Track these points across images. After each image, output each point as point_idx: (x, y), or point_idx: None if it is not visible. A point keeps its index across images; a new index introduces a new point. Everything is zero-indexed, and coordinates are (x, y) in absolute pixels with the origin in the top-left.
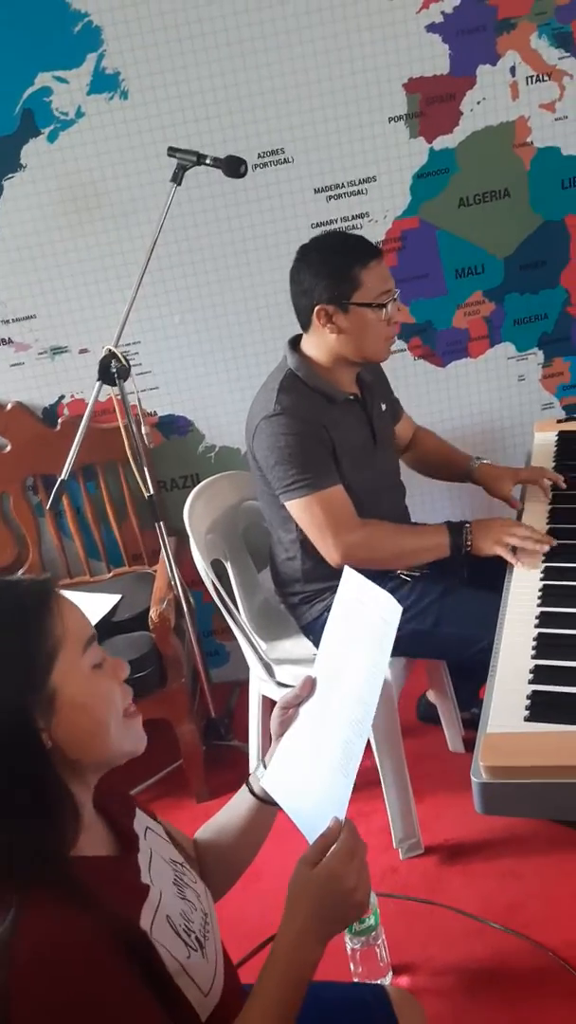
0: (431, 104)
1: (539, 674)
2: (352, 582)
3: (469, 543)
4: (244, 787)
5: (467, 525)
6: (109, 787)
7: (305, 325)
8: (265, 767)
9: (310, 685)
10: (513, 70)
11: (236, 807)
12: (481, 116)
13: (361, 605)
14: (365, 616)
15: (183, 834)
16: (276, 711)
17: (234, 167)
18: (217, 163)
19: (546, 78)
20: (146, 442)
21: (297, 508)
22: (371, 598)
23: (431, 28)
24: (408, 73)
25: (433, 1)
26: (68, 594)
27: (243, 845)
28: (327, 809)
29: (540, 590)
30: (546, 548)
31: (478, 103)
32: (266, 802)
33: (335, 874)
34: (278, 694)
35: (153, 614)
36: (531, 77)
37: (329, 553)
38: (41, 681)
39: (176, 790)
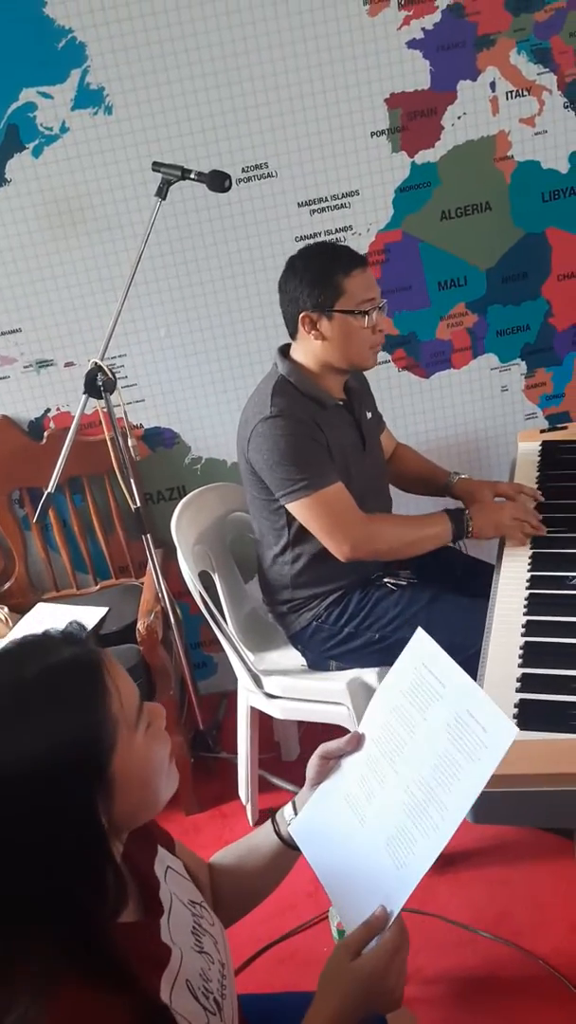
0: (413, 119)
1: (526, 682)
2: (430, 653)
3: (471, 530)
4: (269, 824)
5: (467, 512)
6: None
7: (293, 333)
8: (295, 811)
9: (356, 741)
10: (493, 85)
11: (259, 844)
12: (462, 130)
13: (439, 684)
14: (447, 702)
15: (197, 858)
16: (314, 758)
17: (218, 181)
18: (201, 177)
19: (525, 93)
20: (132, 455)
21: (301, 508)
22: (461, 690)
23: (412, 44)
24: (390, 88)
25: (414, 18)
26: (54, 608)
27: (262, 881)
28: (370, 894)
29: (526, 599)
30: (541, 532)
31: (459, 118)
32: (290, 845)
33: (377, 971)
34: (267, 705)
35: (140, 626)
36: (511, 92)
37: (338, 548)
38: (104, 772)
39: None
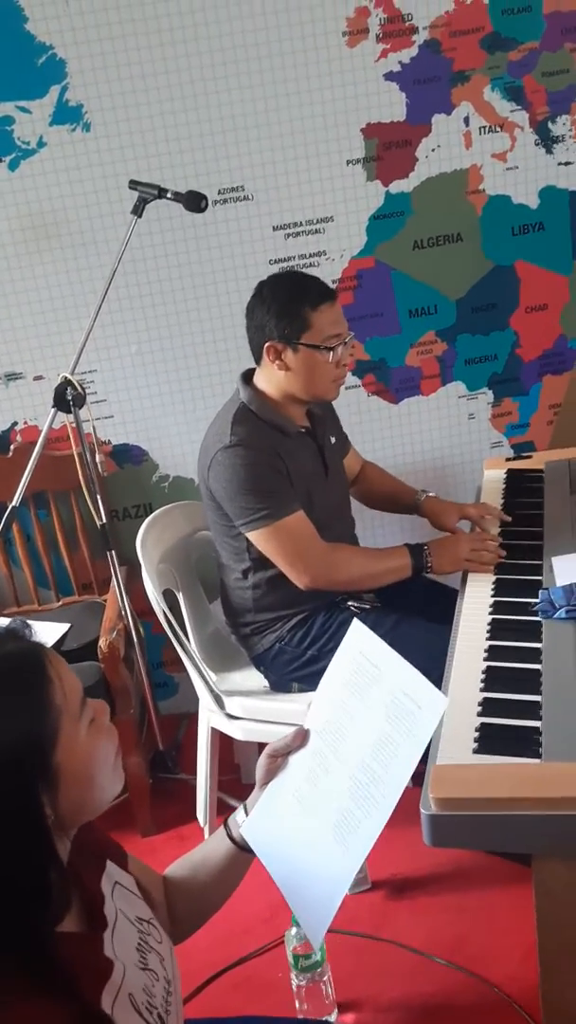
0: (388, 149)
1: (488, 706)
2: (366, 641)
3: (429, 564)
4: (222, 830)
5: (425, 547)
6: (80, 837)
7: (257, 359)
8: (247, 813)
9: (302, 736)
10: (467, 120)
11: (213, 851)
12: (436, 163)
13: (375, 669)
14: (383, 684)
15: (151, 872)
16: (263, 758)
17: (195, 202)
18: (178, 197)
19: (498, 129)
20: (100, 470)
21: (261, 538)
22: (395, 670)
23: (389, 76)
24: (366, 118)
25: (391, 51)
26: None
27: (217, 888)
28: (319, 881)
29: (489, 624)
30: (499, 558)
31: (433, 150)
32: (245, 849)
33: None
34: (228, 726)
35: (102, 644)
36: (484, 127)
37: (299, 578)
38: (47, 761)
39: (121, 824)
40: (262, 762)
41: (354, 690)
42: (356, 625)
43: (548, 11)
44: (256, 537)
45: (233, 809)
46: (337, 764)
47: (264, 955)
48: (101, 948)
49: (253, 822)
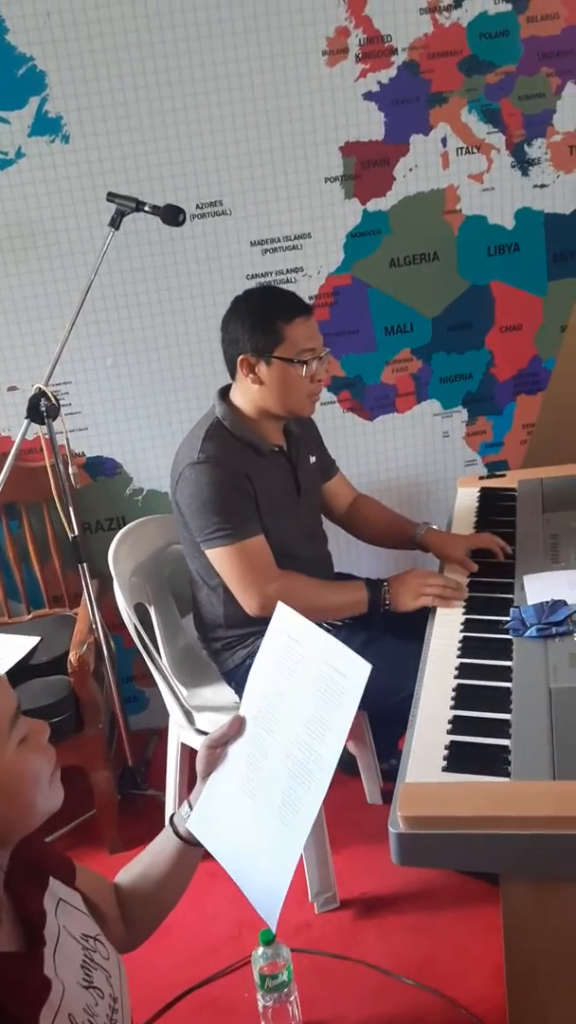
0: (366, 168)
1: (457, 724)
2: (290, 622)
3: (388, 601)
4: (168, 828)
5: (385, 584)
6: (21, 854)
7: (232, 374)
8: (191, 808)
9: (239, 724)
10: (444, 141)
11: (160, 849)
12: (413, 182)
13: (300, 647)
14: (308, 660)
15: (101, 881)
16: (202, 750)
17: (172, 215)
18: (156, 211)
19: (475, 150)
20: (73, 482)
21: (217, 557)
22: (319, 645)
23: (368, 96)
24: (345, 137)
25: (370, 71)
26: None
27: (168, 888)
28: (268, 861)
29: (460, 641)
30: (461, 599)
31: (410, 170)
32: (192, 843)
33: None
34: (198, 742)
35: (72, 657)
36: (461, 149)
37: (248, 603)
38: None
39: (88, 840)
40: (202, 754)
41: (283, 671)
42: (280, 607)
43: (525, 36)
44: (213, 556)
45: None
46: (274, 745)
47: (230, 975)
48: (40, 967)
49: (197, 814)
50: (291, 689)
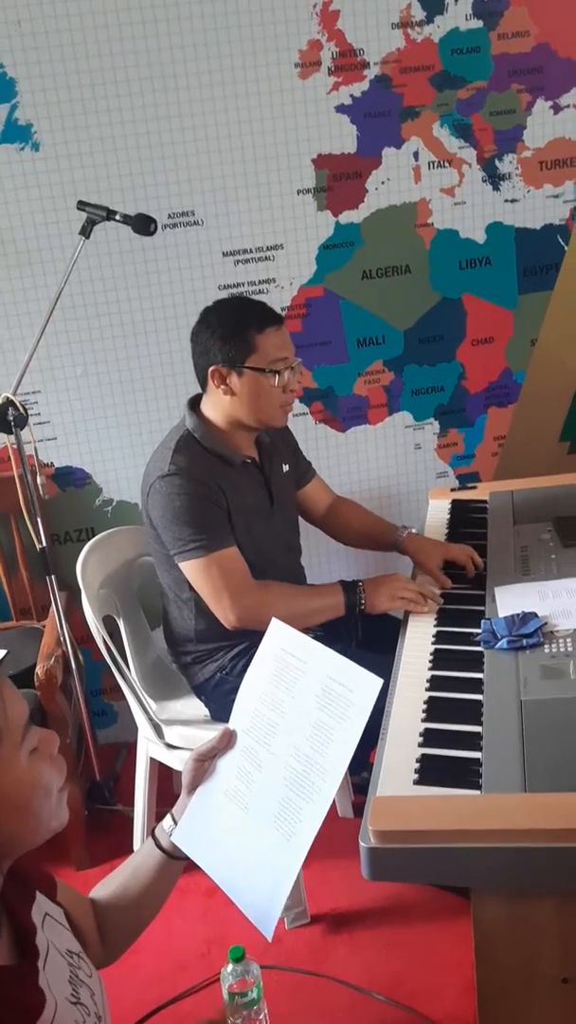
0: (338, 180)
1: (429, 737)
2: (287, 637)
3: (363, 602)
4: (149, 841)
5: (360, 584)
6: (12, 867)
7: (203, 385)
8: (175, 821)
9: (228, 737)
10: (416, 155)
11: (142, 863)
12: (385, 195)
13: (300, 662)
14: (310, 675)
15: (79, 897)
16: (189, 763)
17: (144, 225)
18: (127, 220)
19: (447, 164)
20: (41, 493)
21: (192, 570)
22: (321, 660)
23: (340, 109)
24: (317, 149)
25: (343, 84)
26: None
27: (148, 902)
28: (264, 873)
29: (432, 654)
30: (435, 607)
31: (383, 183)
32: (175, 857)
33: None
34: (167, 756)
35: (39, 671)
36: (433, 163)
37: (224, 615)
38: None
39: (55, 857)
40: (188, 767)
41: (280, 685)
42: (274, 622)
43: (496, 52)
44: (186, 568)
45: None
46: (270, 758)
47: (199, 993)
48: (35, 981)
49: (184, 828)
50: (290, 703)
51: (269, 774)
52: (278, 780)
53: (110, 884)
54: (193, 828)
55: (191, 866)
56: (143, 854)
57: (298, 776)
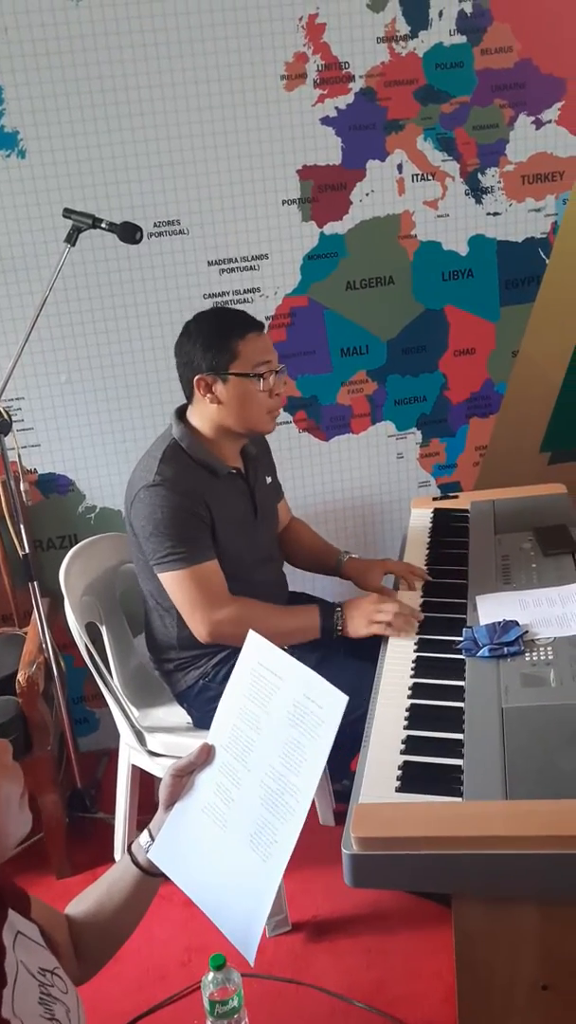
0: (323, 191)
1: (410, 744)
2: (263, 651)
3: (340, 626)
4: (125, 857)
5: (339, 609)
6: None
7: (189, 396)
8: (152, 837)
9: (207, 753)
10: (400, 167)
11: (118, 879)
12: (369, 207)
13: (276, 678)
14: (284, 690)
15: (54, 913)
16: (166, 778)
17: (129, 233)
18: (113, 228)
19: (430, 177)
20: (24, 499)
21: (170, 581)
22: (295, 676)
23: (325, 121)
24: (302, 160)
25: (328, 96)
26: None
27: (125, 919)
28: (242, 893)
29: (414, 661)
30: (416, 624)
31: (367, 194)
32: (151, 873)
33: None
34: (149, 764)
35: (21, 678)
36: (416, 175)
37: (197, 628)
38: None
39: (35, 865)
40: (166, 782)
41: (256, 700)
42: (251, 636)
43: (479, 68)
44: (165, 580)
45: None
46: (247, 775)
47: (179, 1001)
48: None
49: (161, 845)
50: (266, 719)
51: (247, 792)
52: (255, 799)
53: (85, 900)
54: (170, 845)
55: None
56: (119, 870)
57: (273, 795)
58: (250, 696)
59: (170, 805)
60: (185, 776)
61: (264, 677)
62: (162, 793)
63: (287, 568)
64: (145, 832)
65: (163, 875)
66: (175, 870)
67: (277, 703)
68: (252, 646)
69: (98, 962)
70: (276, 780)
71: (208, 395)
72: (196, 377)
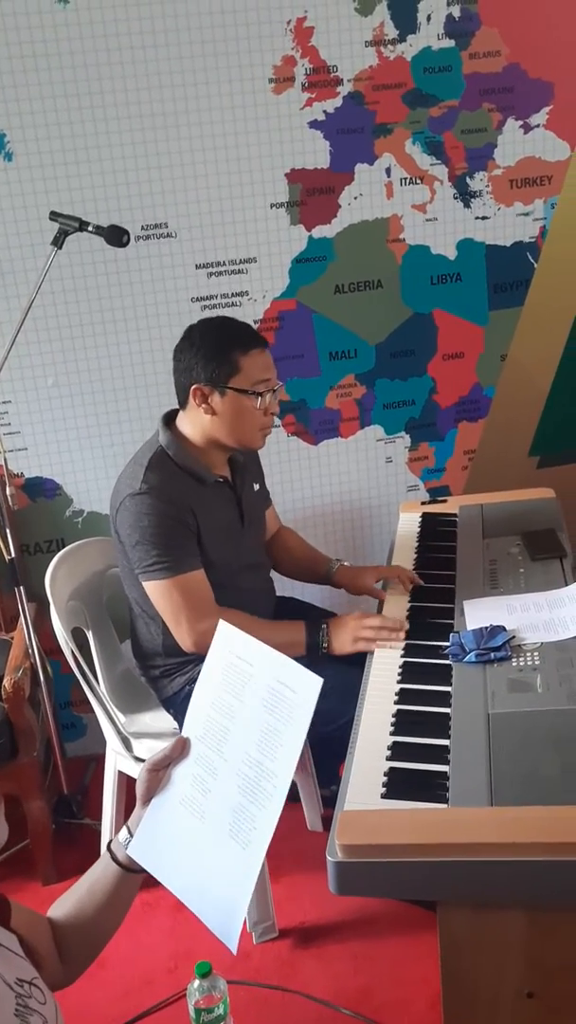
0: (311, 195)
1: (397, 751)
2: (234, 640)
3: (326, 644)
4: (105, 855)
5: (324, 626)
6: None
7: (183, 403)
8: (130, 833)
9: (182, 746)
10: (389, 171)
11: (98, 878)
12: (358, 210)
13: (248, 666)
14: (257, 678)
15: (35, 918)
16: (142, 773)
17: (116, 236)
18: (100, 231)
19: (418, 181)
20: (10, 503)
21: (155, 590)
22: (268, 662)
23: (313, 125)
24: (291, 164)
25: (316, 100)
26: None
27: (107, 918)
28: (222, 883)
29: (400, 667)
30: (401, 635)
31: (355, 198)
32: (131, 870)
33: None
34: (136, 769)
35: (7, 683)
36: (405, 179)
37: (182, 638)
38: None
39: (21, 872)
40: (143, 777)
41: (230, 689)
42: (222, 626)
43: (468, 72)
44: (150, 588)
45: None
46: (223, 765)
47: (165, 1009)
48: None
49: (140, 839)
50: (240, 708)
51: (223, 781)
52: (232, 787)
53: (67, 902)
54: (149, 840)
55: (157, 881)
56: (100, 869)
57: (251, 783)
58: (223, 686)
59: (147, 801)
60: (161, 771)
61: (236, 666)
62: (139, 789)
63: (275, 575)
64: (124, 829)
65: (143, 871)
66: (155, 865)
67: (251, 691)
68: (223, 636)
69: (82, 963)
70: (253, 767)
71: (203, 405)
72: (194, 386)
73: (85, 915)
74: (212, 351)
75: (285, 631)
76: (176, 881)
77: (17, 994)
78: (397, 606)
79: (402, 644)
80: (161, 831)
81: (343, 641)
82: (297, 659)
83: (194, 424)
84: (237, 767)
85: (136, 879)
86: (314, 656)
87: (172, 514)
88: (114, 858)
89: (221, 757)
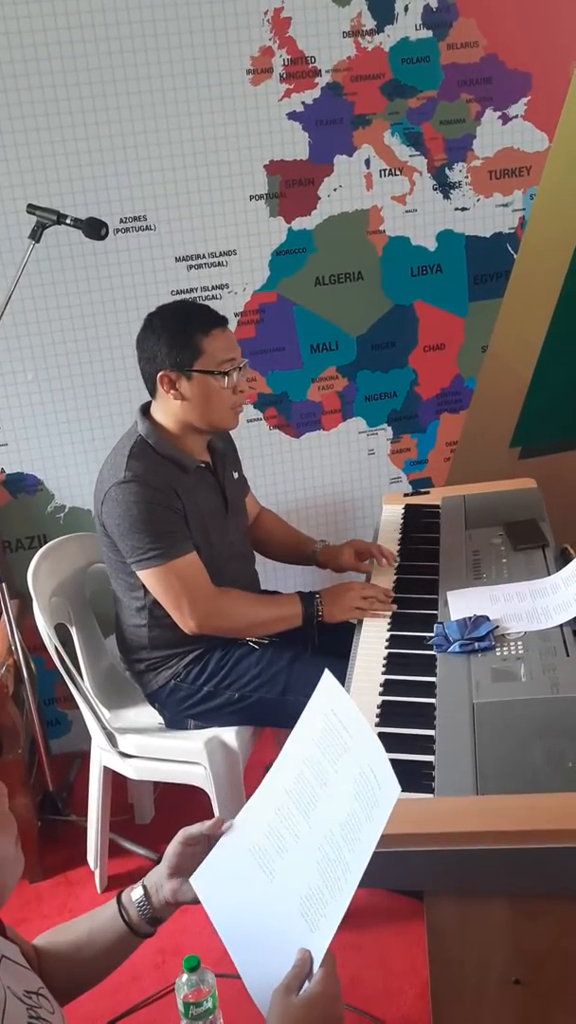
0: (291, 187)
1: (382, 741)
2: (337, 700)
3: (320, 612)
4: (113, 905)
5: (317, 596)
6: None
7: (152, 392)
8: (145, 891)
9: (220, 824)
10: (368, 162)
11: (102, 929)
12: (337, 202)
13: (348, 736)
14: (353, 753)
15: (23, 941)
16: (175, 845)
17: (95, 229)
18: (78, 224)
19: (398, 172)
20: None
21: (151, 578)
22: (364, 741)
23: (292, 116)
24: (270, 156)
25: (294, 91)
26: None
27: (101, 965)
28: (277, 952)
29: (385, 658)
30: (389, 601)
31: (335, 190)
32: (139, 934)
33: (328, 994)
34: (121, 765)
35: None
36: (384, 170)
37: (184, 622)
38: None
39: None
40: (174, 849)
41: (326, 753)
42: (327, 678)
43: (446, 62)
44: (145, 576)
45: (125, 852)
46: (308, 832)
47: (153, 1004)
48: None
49: (206, 871)
50: (333, 778)
51: (304, 851)
52: (311, 862)
53: (64, 938)
54: (214, 877)
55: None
56: (104, 919)
57: (330, 864)
58: (320, 746)
59: (175, 874)
60: (196, 845)
61: (335, 730)
62: (169, 860)
63: (260, 563)
64: (138, 886)
65: (149, 935)
66: (213, 903)
67: (345, 764)
68: (327, 689)
69: (61, 1000)
70: (335, 849)
71: (172, 391)
72: (159, 373)
73: (78, 958)
74: (174, 337)
75: (282, 604)
76: (229, 928)
77: (28, 1006)
78: (383, 582)
79: (388, 620)
80: (226, 871)
81: (335, 609)
82: (294, 630)
83: (166, 411)
84: (320, 843)
85: (138, 941)
86: (310, 627)
87: (160, 500)
88: (123, 915)
89: (307, 823)
